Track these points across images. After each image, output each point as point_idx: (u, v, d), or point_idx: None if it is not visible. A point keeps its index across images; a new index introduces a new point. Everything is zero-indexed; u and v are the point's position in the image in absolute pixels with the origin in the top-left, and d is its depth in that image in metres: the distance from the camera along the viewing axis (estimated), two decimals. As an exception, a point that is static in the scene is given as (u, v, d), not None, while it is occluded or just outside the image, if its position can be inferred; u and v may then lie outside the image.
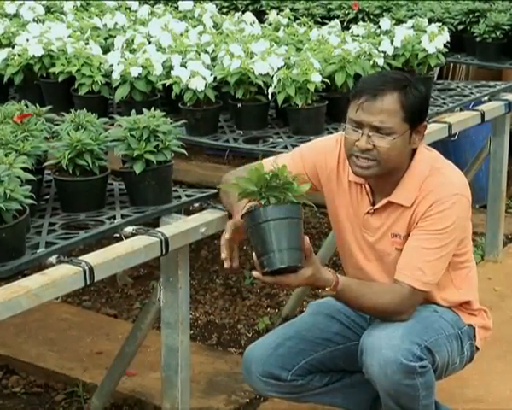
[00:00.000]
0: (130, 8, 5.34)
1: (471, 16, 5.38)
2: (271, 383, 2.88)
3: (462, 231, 2.77)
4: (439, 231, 2.68)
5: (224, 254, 2.69)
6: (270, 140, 3.66)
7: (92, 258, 2.55)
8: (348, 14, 5.66)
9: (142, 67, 3.74)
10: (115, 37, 4.41)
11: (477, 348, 2.93)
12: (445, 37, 4.37)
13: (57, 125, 3.13)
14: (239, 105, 3.77)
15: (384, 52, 4.16)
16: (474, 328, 2.90)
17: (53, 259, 2.54)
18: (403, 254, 2.72)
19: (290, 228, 2.48)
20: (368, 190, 2.81)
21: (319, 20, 5.58)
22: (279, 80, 3.64)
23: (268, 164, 2.95)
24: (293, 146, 3.52)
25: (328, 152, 2.88)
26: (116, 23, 4.77)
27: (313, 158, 2.91)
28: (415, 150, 2.75)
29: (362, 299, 2.69)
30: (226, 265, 2.70)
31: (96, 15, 5.00)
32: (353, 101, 2.68)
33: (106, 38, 4.55)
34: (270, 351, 2.88)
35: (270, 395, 3.00)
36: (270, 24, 5.03)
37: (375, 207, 2.79)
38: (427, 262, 2.68)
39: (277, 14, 5.23)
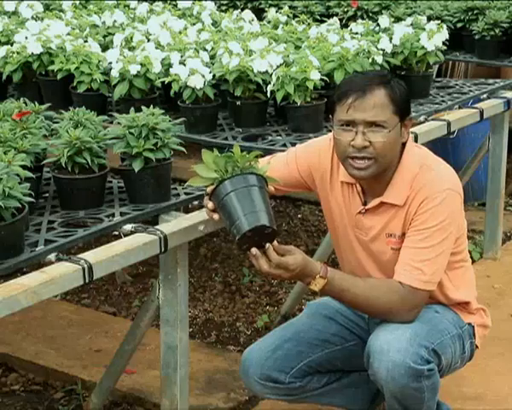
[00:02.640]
0: (128, 6, 5.34)
1: (470, 14, 5.38)
2: (270, 386, 2.88)
3: (457, 227, 2.75)
4: (432, 228, 2.67)
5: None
6: (269, 138, 3.66)
7: (91, 256, 2.55)
8: (347, 11, 5.67)
9: (141, 64, 3.74)
10: (114, 34, 4.40)
11: (476, 347, 2.93)
12: (444, 34, 4.37)
13: (56, 122, 3.12)
14: (238, 103, 3.77)
15: (383, 50, 4.17)
16: (474, 326, 2.90)
17: (52, 257, 2.54)
18: (400, 256, 2.71)
19: (252, 194, 2.54)
20: (359, 189, 2.80)
21: (318, 17, 5.59)
22: (278, 78, 3.64)
23: (264, 163, 2.97)
24: (292, 144, 3.52)
25: (322, 152, 2.87)
26: (115, 21, 4.76)
27: (307, 158, 2.91)
28: (403, 149, 2.74)
29: (356, 291, 2.67)
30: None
31: (95, 13, 5.00)
32: (340, 103, 2.67)
33: (105, 36, 4.55)
34: (268, 354, 2.87)
35: (269, 398, 2.98)
36: (268, 22, 5.03)
37: (366, 208, 2.78)
38: (425, 261, 2.67)
39: (276, 11, 5.23)
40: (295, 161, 2.93)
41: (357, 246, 2.85)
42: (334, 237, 2.98)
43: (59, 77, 3.92)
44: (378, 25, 4.72)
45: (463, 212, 2.82)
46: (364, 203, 2.80)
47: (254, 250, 2.53)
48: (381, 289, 2.69)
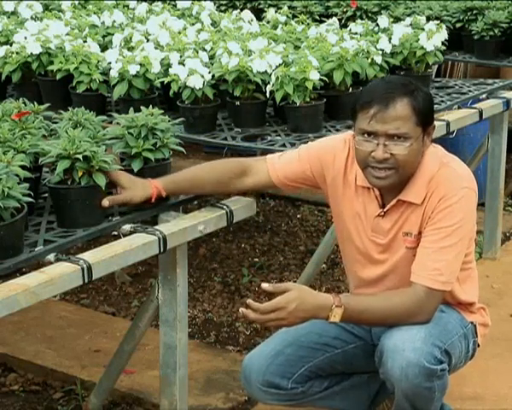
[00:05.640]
0: (128, 6, 5.33)
1: (469, 14, 5.38)
2: (272, 392, 2.86)
3: (472, 227, 2.75)
4: (451, 227, 2.65)
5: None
6: (269, 138, 3.66)
7: (90, 256, 2.56)
8: (346, 11, 5.66)
9: (140, 64, 3.74)
10: (113, 34, 4.41)
11: (478, 345, 2.93)
12: (443, 34, 4.37)
13: (55, 123, 3.12)
14: (237, 103, 3.77)
15: (382, 50, 4.17)
16: (476, 325, 2.89)
17: (51, 257, 2.54)
18: (417, 256, 2.70)
19: None
20: (376, 193, 2.78)
21: (317, 17, 5.58)
22: (277, 78, 3.64)
23: (274, 159, 2.95)
24: (291, 144, 3.53)
25: (337, 153, 2.85)
26: (114, 21, 4.76)
27: (320, 157, 2.89)
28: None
29: (373, 308, 2.66)
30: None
31: (94, 13, 5.00)
32: (363, 112, 2.65)
33: (104, 36, 4.55)
34: (270, 360, 2.85)
35: (271, 403, 2.96)
36: (268, 22, 5.03)
37: (385, 209, 2.77)
38: (443, 261, 2.65)
39: (275, 11, 5.22)
40: (308, 158, 2.91)
41: (371, 248, 2.83)
42: (341, 237, 2.96)
43: (58, 77, 3.92)
44: (377, 25, 4.72)
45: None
46: (383, 206, 2.79)
47: (241, 310, 2.57)
48: (397, 298, 2.68)
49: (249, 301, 2.58)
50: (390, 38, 4.28)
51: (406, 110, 2.62)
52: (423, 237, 2.71)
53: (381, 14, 5.28)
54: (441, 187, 2.68)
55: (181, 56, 3.93)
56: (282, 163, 2.94)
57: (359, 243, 2.86)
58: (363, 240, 2.84)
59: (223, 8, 5.99)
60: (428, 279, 2.65)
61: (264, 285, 2.58)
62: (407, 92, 2.64)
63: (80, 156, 2.68)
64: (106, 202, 2.76)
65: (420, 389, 2.63)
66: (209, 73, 3.71)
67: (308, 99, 3.67)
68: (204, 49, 4.15)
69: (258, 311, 2.56)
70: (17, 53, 4.04)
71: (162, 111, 3.09)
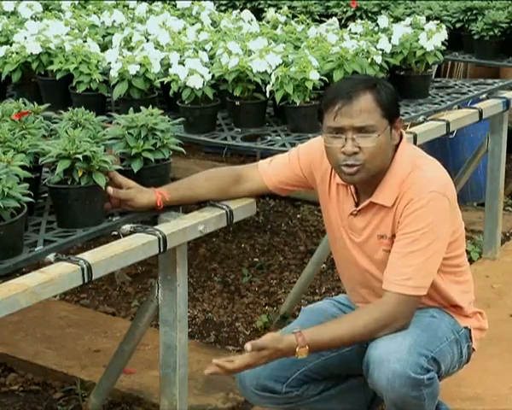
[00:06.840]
0: (128, 6, 5.34)
1: (469, 14, 5.38)
2: (266, 396, 2.86)
3: (447, 230, 2.70)
4: (418, 232, 2.63)
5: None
6: (268, 138, 3.66)
7: (90, 256, 2.56)
8: (346, 11, 5.66)
9: (140, 64, 3.74)
10: (113, 34, 4.41)
11: (473, 349, 2.91)
12: (443, 34, 4.37)
13: (55, 123, 3.12)
14: (237, 103, 3.77)
15: (382, 50, 4.17)
16: (470, 330, 2.87)
17: (51, 257, 2.54)
18: (389, 262, 2.69)
19: None
20: (352, 191, 2.79)
21: (317, 17, 5.58)
22: (277, 78, 3.64)
23: (265, 164, 2.98)
24: (291, 144, 3.53)
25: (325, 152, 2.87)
26: (114, 21, 4.76)
27: (309, 157, 2.91)
28: (396, 149, 2.73)
29: (340, 334, 2.63)
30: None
31: (94, 13, 5.00)
32: (328, 110, 2.67)
33: (104, 36, 4.55)
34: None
35: (266, 407, 2.96)
36: (268, 22, 5.03)
37: (358, 209, 2.77)
38: (412, 266, 2.63)
39: (275, 11, 5.23)
40: (297, 159, 2.93)
41: (352, 247, 2.83)
42: (330, 237, 2.97)
43: (58, 77, 3.92)
44: (377, 25, 4.72)
45: (459, 216, 2.79)
46: (357, 204, 2.79)
47: (208, 372, 2.58)
48: (365, 316, 2.66)
49: (215, 361, 2.57)
50: (390, 38, 4.28)
51: (370, 103, 2.64)
52: (395, 241, 2.70)
53: (381, 14, 5.28)
54: (409, 191, 2.67)
55: (181, 56, 3.93)
56: (274, 168, 2.97)
57: (340, 241, 2.86)
58: (344, 238, 2.85)
59: (223, 8, 5.99)
60: (397, 285, 2.64)
61: (247, 348, 2.57)
62: (369, 86, 2.66)
63: (80, 156, 2.68)
64: (110, 190, 2.80)
65: (408, 399, 2.62)
66: (209, 73, 3.71)
67: (308, 99, 3.68)
68: (204, 49, 4.15)
69: (228, 371, 2.59)
70: (17, 53, 4.04)
71: (162, 111, 3.09)
